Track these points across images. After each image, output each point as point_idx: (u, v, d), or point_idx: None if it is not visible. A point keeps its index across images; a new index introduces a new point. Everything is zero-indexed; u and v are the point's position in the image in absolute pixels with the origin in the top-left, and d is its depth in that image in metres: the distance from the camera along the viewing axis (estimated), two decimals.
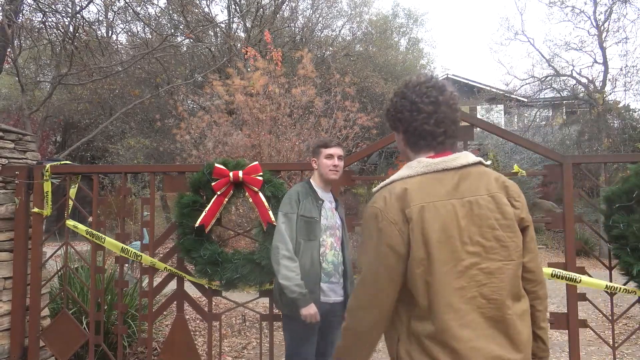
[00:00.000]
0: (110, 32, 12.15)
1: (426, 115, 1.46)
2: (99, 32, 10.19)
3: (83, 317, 4.17)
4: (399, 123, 1.53)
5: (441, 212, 1.35)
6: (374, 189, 1.50)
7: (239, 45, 12.72)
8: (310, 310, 2.65)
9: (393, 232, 1.36)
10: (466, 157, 1.46)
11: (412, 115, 1.48)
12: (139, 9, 10.18)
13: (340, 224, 2.97)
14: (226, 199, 3.33)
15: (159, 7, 12.61)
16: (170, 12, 12.92)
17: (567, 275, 3.14)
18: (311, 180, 2.99)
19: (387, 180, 1.47)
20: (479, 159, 1.49)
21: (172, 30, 13.43)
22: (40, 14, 7.89)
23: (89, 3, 7.94)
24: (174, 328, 3.51)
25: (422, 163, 1.44)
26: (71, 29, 7.72)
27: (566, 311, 3.25)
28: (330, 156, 2.92)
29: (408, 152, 1.55)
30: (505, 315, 1.34)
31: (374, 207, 1.41)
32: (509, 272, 1.37)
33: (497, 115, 21.41)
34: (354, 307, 1.47)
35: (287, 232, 2.76)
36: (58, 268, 4.14)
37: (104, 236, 3.60)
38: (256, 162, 3.35)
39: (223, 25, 14.17)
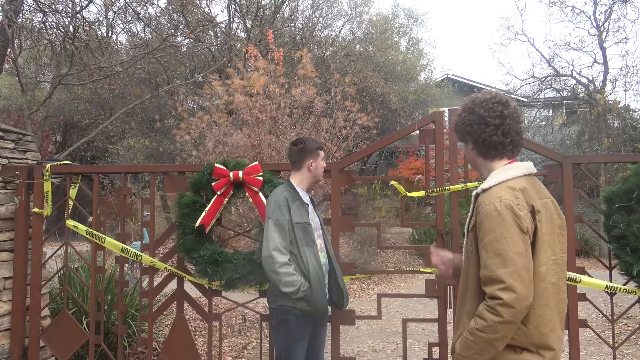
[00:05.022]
0: (110, 32, 12.12)
1: (494, 127, 1.67)
2: (99, 32, 10.16)
3: (83, 317, 4.17)
4: (467, 135, 1.74)
5: (549, 208, 1.63)
6: (478, 190, 1.66)
7: (239, 45, 12.72)
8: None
9: (528, 218, 1.55)
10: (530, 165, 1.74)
11: (481, 127, 1.68)
12: (139, 9, 10.17)
13: (320, 223, 2.89)
14: (226, 199, 3.33)
15: (159, 7, 12.60)
16: (170, 12, 12.91)
17: (567, 275, 3.14)
18: (292, 181, 2.81)
19: (497, 180, 1.63)
20: None
21: (172, 30, 13.43)
22: (40, 14, 7.88)
23: (89, 3, 7.93)
24: (174, 328, 3.51)
25: (522, 166, 1.67)
26: (71, 29, 7.70)
27: (566, 311, 3.25)
28: (324, 158, 2.91)
29: (479, 161, 1.77)
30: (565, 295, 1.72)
31: (505, 201, 1.55)
32: (565, 263, 1.68)
33: None
34: (520, 298, 1.50)
35: (279, 239, 2.57)
36: (58, 268, 4.14)
37: (104, 236, 3.60)
38: (256, 162, 3.35)
39: (223, 25, 14.16)
